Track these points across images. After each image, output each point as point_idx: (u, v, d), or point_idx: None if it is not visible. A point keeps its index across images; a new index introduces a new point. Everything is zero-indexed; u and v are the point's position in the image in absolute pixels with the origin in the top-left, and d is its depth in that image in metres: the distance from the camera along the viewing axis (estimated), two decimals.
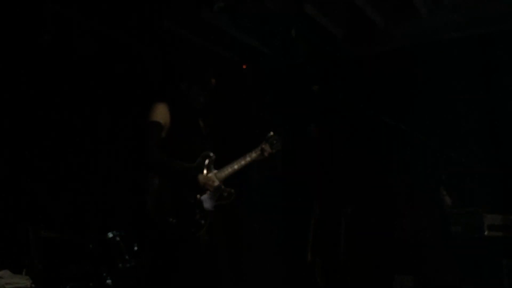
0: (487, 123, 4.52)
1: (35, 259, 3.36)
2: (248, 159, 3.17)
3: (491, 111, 4.60)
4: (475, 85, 4.73)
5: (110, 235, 3.67)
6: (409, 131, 3.34)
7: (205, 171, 3.00)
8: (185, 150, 2.99)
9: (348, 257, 4.45)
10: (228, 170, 3.09)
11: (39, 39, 3.93)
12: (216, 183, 2.99)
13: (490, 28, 4.78)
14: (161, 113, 2.97)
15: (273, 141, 3.26)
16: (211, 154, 3.06)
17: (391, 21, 5.19)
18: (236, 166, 3.12)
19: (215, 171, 3.05)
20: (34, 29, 3.90)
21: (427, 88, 4.87)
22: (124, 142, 4.50)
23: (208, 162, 3.04)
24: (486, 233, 4.23)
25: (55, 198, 3.95)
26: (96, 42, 4.35)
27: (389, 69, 5.09)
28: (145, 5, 4.41)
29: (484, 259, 4.13)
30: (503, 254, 4.12)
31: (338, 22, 5.36)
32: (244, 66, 5.60)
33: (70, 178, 4.10)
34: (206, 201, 2.97)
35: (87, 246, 3.63)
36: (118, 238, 3.66)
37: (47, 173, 3.94)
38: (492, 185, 4.36)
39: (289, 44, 5.31)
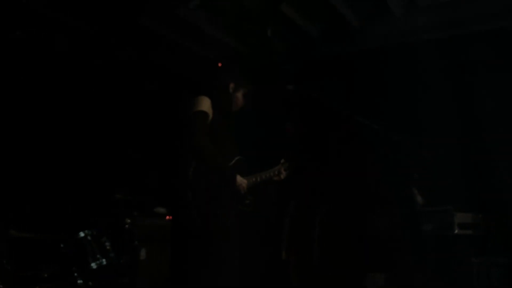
0: (460, 123, 4.60)
1: (4, 260, 3.29)
2: (268, 175, 3.31)
3: (464, 111, 4.67)
4: (449, 86, 4.80)
5: (82, 234, 3.62)
6: (383, 130, 3.38)
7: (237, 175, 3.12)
8: (216, 148, 3.02)
9: (322, 255, 4.48)
10: (252, 180, 3.23)
11: (12, 35, 3.86)
12: (246, 188, 3.13)
13: (464, 29, 4.86)
14: (207, 105, 3.04)
15: (286, 167, 3.36)
16: (244, 160, 3.19)
17: (366, 21, 5.23)
18: (258, 179, 3.26)
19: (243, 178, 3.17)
20: (6, 25, 3.82)
21: (401, 88, 4.93)
22: (93, 139, 4.44)
23: (242, 167, 3.16)
24: (456, 231, 4.31)
25: (25, 197, 3.88)
26: (71, 38, 4.29)
27: (364, 69, 5.13)
28: (122, 1, 4.36)
29: (454, 257, 4.22)
30: (473, 252, 4.21)
31: (314, 21, 5.38)
32: (219, 64, 5.58)
33: (41, 177, 4.02)
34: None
35: (58, 245, 3.57)
36: (89, 237, 3.62)
37: (16, 172, 3.86)
38: (463, 184, 4.44)
39: (265, 43, 5.32)
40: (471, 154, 4.60)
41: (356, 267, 4.66)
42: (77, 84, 4.36)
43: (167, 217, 4.73)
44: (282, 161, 3.38)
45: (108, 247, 3.71)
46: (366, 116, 3.35)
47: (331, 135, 4.97)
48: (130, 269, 4.08)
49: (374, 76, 5.06)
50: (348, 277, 4.70)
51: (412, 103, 4.80)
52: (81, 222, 3.78)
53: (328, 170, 4.80)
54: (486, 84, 4.61)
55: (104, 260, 3.62)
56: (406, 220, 4.07)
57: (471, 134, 4.62)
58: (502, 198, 4.38)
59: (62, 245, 3.55)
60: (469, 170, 4.53)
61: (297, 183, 4.69)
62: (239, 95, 3.28)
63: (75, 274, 3.48)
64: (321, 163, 4.83)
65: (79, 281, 3.45)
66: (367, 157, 4.32)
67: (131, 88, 4.90)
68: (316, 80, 5.08)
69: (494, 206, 4.42)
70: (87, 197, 4.17)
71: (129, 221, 3.97)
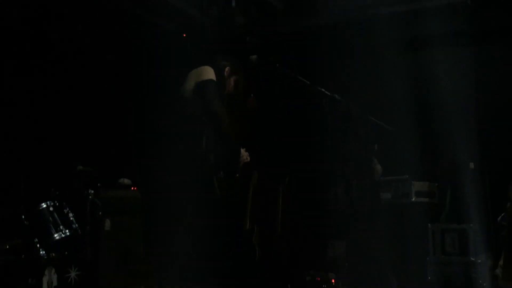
0: (415, 96, 4.73)
1: None
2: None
3: (421, 85, 4.81)
4: (407, 59, 4.92)
5: (43, 205, 3.59)
6: (344, 102, 3.45)
7: None
8: None
9: (284, 224, 4.58)
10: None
11: None
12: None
13: (417, 4, 4.95)
14: (214, 76, 3.16)
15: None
16: None
17: None
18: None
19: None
20: None
21: (362, 61, 5.01)
22: (55, 110, 4.36)
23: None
24: (413, 199, 4.50)
25: None
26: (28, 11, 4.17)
27: (327, 42, 5.18)
28: None
29: (411, 223, 4.40)
30: (428, 219, 4.41)
31: None
32: (184, 35, 5.53)
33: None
34: None
35: (19, 218, 3.53)
36: (51, 209, 3.58)
37: None
38: (420, 155, 4.60)
39: (229, 15, 5.28)
40: (428, 127, 4.76)
41: (317, 235, 4.80)
42: (38, 56, 4.25)
43: (132, 188, 4.72)
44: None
45: (71, 218, 3.69)
46: (327, 88, 3.40)
47: (293, 106, 5.03)
48: (94, 240, 4.08)
49: (336, 49, 5.12)
50: (309, 245, 4.84)
51: (372, 76, 4.90)
52: (42, 194, 3.72)
53: (290, 140, 4.88)
54: (442, 57, 4.75)
55: (67, 231, 3.60)
56: (366, 190, 4.19)
57: (428, 107, 4.76)
58: (456, 168, 4.56)
59: (23, 217, 3.52)
60: (426, 142, 4.70)
61: (260, 154, 4.74)
62: (231, 81, 3.35)
63: (38, 246, 3.46)
64: (283, 134, 4.90)
65: (42, 253, 3.43)
66: (327, 128, 4.40)
67: (93, 60, 4.80)
68: (279, 53, 5.11)
69: (449, 176, 4.62)
70: (47, 169, 4.11)
71: (92, 192, 3.94)
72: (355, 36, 5.05)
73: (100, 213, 4.18)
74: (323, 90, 3.35)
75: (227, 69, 3.32)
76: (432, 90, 4.75)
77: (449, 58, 4.74)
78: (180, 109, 3.24)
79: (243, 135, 3.50)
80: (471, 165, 4.39)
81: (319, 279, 4.74)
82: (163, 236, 3.75)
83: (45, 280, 3.22)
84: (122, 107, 4.91)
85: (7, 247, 3.39)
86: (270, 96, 5.01)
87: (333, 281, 4.62)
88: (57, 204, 3.65)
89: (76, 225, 3.69)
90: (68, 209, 3.72)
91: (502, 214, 3.62)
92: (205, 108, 3.09)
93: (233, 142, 3.21)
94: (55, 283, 3.30)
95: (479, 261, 4.02)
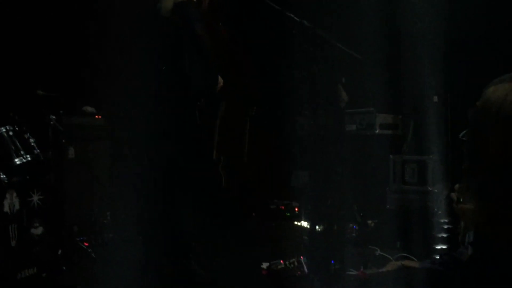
0: (384, 27, 4.67)
1: None
2: None
3: (389, 16, 4.74)
4: None
5: (2, 129, 3.49)
6: (313, 28, 3.39)
7: None
8: None
9: (250, 154, 4.63)
10: None
11: None
12: None
13: None
14: None
15: None
16: None
17: None
18: None
19: None
20: None
21: None
22: (14, 30, 4.16)
23: None
24: (377, 131, 4.59)
25: None
26: None
27: None
28: None
29: (374, 154, 4.52)
30: (391, 150, 4.53)
31: None
32: None
33: None
34: None
35: None
36: (11, 133, 3.49)
37: None
38: (386, 87, 4.64)
39: None
40: (395, 60, 4.76)
41: (282, 165, 4.88)
42: None
43: (97, 116, 4.64)
44: None
45: (32, 144, 3.61)
46: (297, 14, 3.33)
47: (260, 34, 4.94)
48: (57, 167, 4.04)
49: None
50: (274, 174, 4.93)
51: (342, 4, 4.80)
52: (1, 118, 3.61)
53: (257, 70, 4.83)
54: None
55: (28, 156, 3.53)
56: (331, 120, 4.24)
57: (396, 39, 4.75)
58: (419, 102, 4.63)
59: None
60: (392, 75, 4.72)
61: (227, 85, 4.69)
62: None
63: None
64: (251, 63, 4.84)
65: (2, 177, 3.38)
66: (295, 57, 4.36)
67: None
68: None
69: (413, 108, 4.70)
70: (5, 92, 3.97)
71: (54, 117, 3.85)
72: None
73: (64, 140, 4.12)
74: (292, 15, 3.28)
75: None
76: (400, 22, 4.72)
77: None
78: (158, 28, 3.10)
79: (218, 61, 3.41)
80: (435, 98, 4.46)
81: (283, 207, 4.87)
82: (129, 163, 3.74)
83: (6, 203, 3.19)
84: (88, 28, 4.68)
85: None
86: (238, 23, 4.89)
87: (296, 209, 4.77)
88: (17, 129, 3.56)
89: (38, 150, 3.62)
90: (28, 135, 3.63)
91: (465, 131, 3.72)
92: (186, 31, 2.98)
93: (215, 67, 3.13)
94: (17, 206, 3.27)
95: (436, 190, 4.19)
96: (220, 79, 3.23)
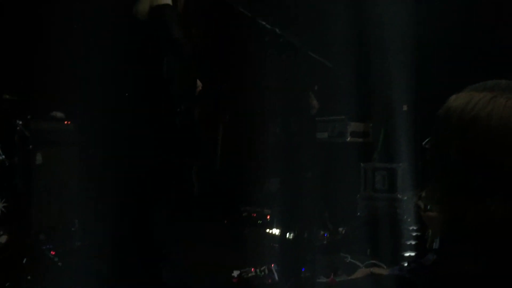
0: (354, 35, 4.73)
1: None
2: None
3: (361, 23, 4.79)
4: None
5: None
6: (285, 36, 3.41)
7: None
8: None
9: (223, 161, 4.62)
10: None
11: None
12: None
13: None
14: None
15: None
16: None
17: None
18: None
19: None
20: None
21: None
22: None
23: None
24: (348, 139, 4.64)
25: None
26: None
27: None
28: None
29: (345, 162, 4.56)
30: (361, 158, 4.58)
31: None
32: None
33: None
34: None
35: None
36: None
37: None
38: (357, 95, 4.69)
39: None
40: (365, 68, 4.82)
41: (254, 172, 4.88)
42: None
43: (66, 122, 4.55)
44: None
45: None
46: (268, 21, 3.34)
47: (234, 41, 4.94)
48: (23, 173, 3.95)
49: None
50: (246, 181, 4.92)
51: (313, 11, 4.84)
52: None
53: (231, 76, 4.83)
54: None
55: None
56: (303, 128, 4.26)
57: (367, 47, 4.81)
58: (390, 110, 4.71)
59: None
60: (363, 83, 4.78)
61: (201, 91, 4.68)
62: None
63: None
64: (225, 69, 4.84)
65: None
66: (267, 65, 4.38)
67: None
68: None
69: (383, 117, 4.77)
70: None
71: (20, 123, 3.76)
72: None
73: (31, 146, 4.03)
74: (263, 23, 3.29)
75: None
76: (371, 31, 4.78)
77: None
78: (135, 32, 3.05)
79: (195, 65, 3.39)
80: (404, 107, 4.54)
81: (255, 215, 4.86)
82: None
83: None
84: (62, 30, 4.57)
85: None
86: (210, 28, 4.88)
87: (268, 216, 4.76)
88: None
89: (3, 156, 3.53)
90: None
91: (427, 139, 3.79)
92: (163, 34, 2.93)
93: (194, 71, 3.10)
94: None
95: (405, 198, 4.25)
96: (199, 83, 3.20)
